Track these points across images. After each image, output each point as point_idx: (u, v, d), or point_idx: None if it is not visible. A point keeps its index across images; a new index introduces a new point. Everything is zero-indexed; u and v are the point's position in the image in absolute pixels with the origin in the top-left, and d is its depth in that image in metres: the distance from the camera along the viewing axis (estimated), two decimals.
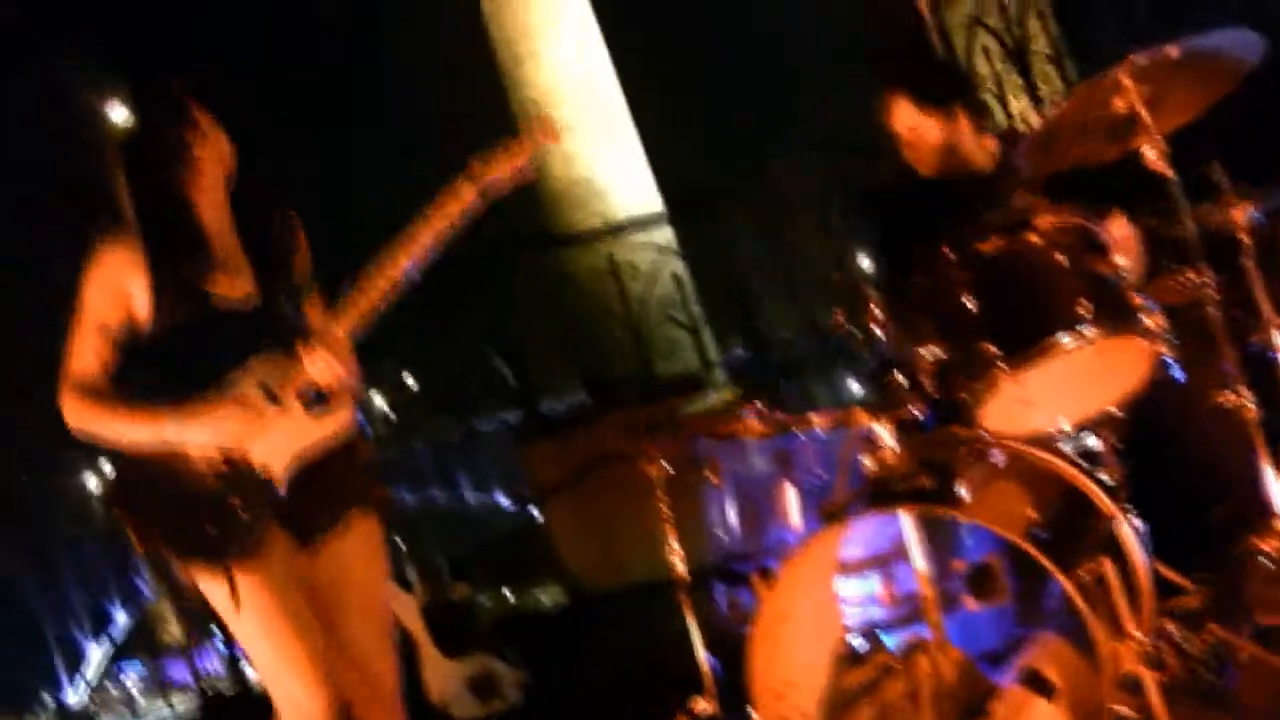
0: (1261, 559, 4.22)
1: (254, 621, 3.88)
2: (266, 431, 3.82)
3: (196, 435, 3.78)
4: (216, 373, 3.83)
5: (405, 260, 3.84)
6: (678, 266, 10.25)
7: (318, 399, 3.89)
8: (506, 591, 8.94)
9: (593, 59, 16.59)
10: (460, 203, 3.88)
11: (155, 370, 3.94)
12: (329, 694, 3.88)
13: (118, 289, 3.90)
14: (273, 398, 3.80)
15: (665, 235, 11.41)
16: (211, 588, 3.87)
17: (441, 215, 3.86)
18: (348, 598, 4.10)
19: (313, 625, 3.94)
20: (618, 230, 10.35)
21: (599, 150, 15.80)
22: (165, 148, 3.89)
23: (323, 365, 3.80)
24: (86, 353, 3.92)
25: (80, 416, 3.90)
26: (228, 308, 3.92)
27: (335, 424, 3.95)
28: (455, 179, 3.90)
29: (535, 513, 7.91)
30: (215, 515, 3.80)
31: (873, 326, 4.27)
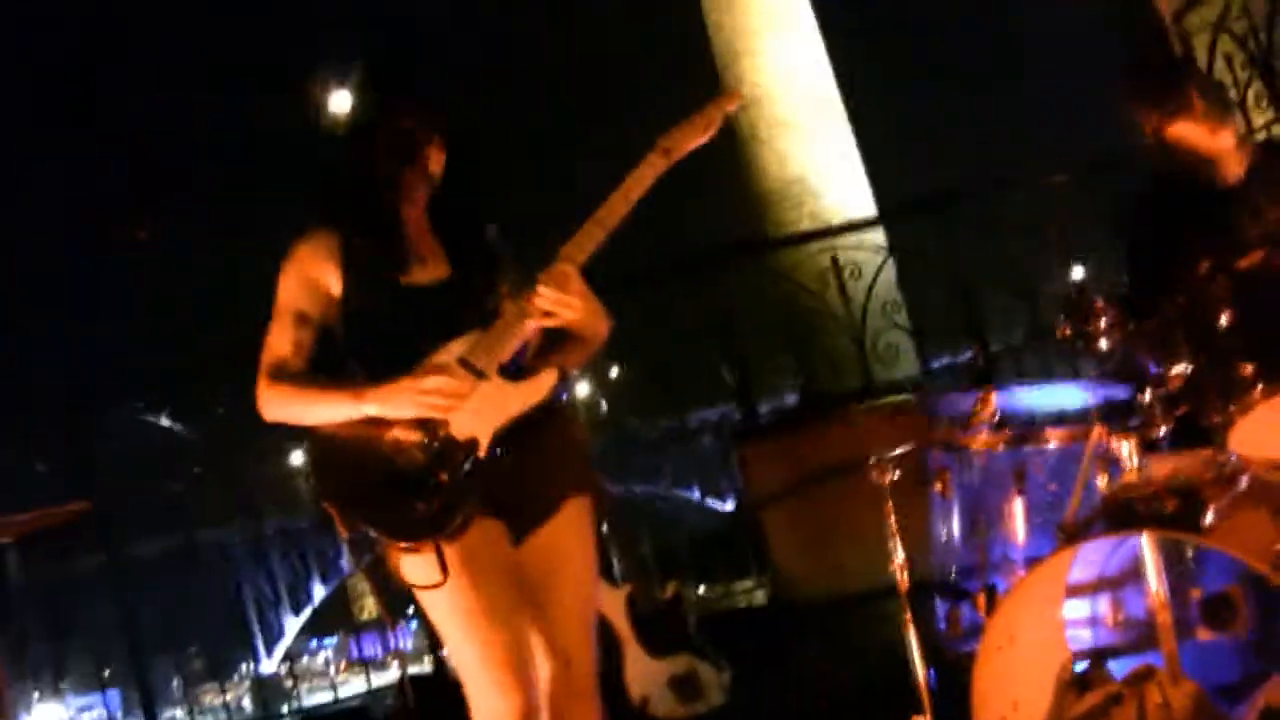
0: None
1: (452, 610, 3.85)
2: (470, 403, 3.79)
3: (400, 407, 3.77)
4: (414, 353, 3.83)
5: (601, 231, 3.85)
6: (896, 270, 10.10)
7: (518, 369, 3.89)
8: (716, 590, 8.89)
9: (813, 59, 16.43)
10: (653, 171, 3.89)
11: (353, 355, 3.97)
12: (520, 697, 3.83)
13: (312, 279, 3.97)
14: (474, 370, 3.78)
15: (880, 239, 11.26)
16: (415, 569, 3.82)
17: (635, 185, 3.88)
18: (554, 587, 4.04)
19: (511, 619, 3.89)
20: (837, 231, 10.21)
21: (815, 150, 15.60)
22: (397, 147, 3.95)
23: (558, 300, 3.80)
24: (282, 340, 3.97)
25: (275, 402, 3.94)
26: (422, 291, 3.96)
27: (538, 391, 3.90)
28: (646, 154, 3.91)
29: (749, 512, 7.83)
30: (422, 491, 3.77)
31: (1101, 336, 4.13)
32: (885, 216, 11.56)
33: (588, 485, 4.16)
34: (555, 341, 4.02)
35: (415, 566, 3.83)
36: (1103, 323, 4.13)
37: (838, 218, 11.72)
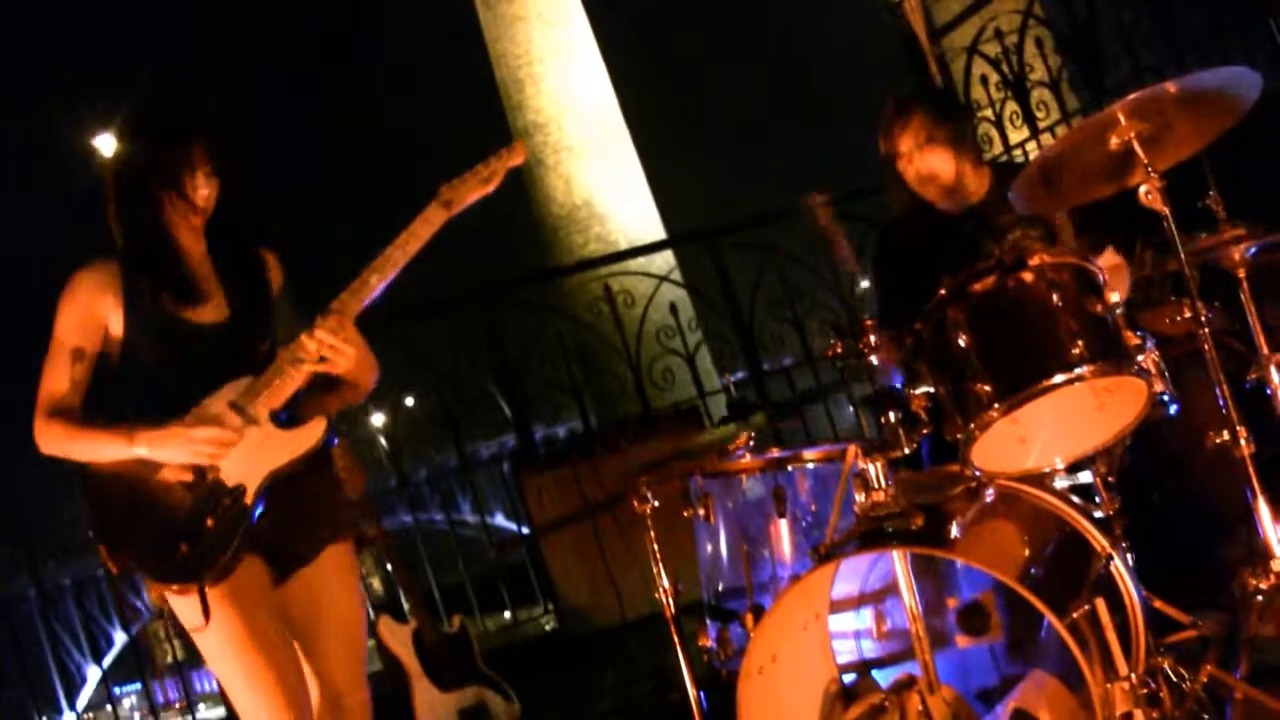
0: (1257, 596, 4.17)
1: (223, 643, 3.90)
2: (240, 449, 3.85)
3: (170, 453, 3.81)
4: (189, 394, 3.88)
5: (377, 280, 3.90)
6: (676, 294, 10.21)
7: (289, 417, 3.95)
8: (509, 619, 8.91)
9: (595, 84, 16.59)
10: (430, 226, 3.94)
11: (129, 392, 3.99)
12: (294, 717, 3.89)
13: (91, 313, 3.98)
14: (246, 416, 3.82)
15: (665, 261, 11.37)
16: (183, 608, 3.89)
17: (413, 238, 3.93)
18: (320, 631, 4.13)
19: (282, 651, 3.96)
20: (615, 257, 10.29)
21: (600, 175, 15.80)
22: (160, 175, 3.96)
23: (331, 348, 3.86)
24: (59, 376, 3.98)
25: (51, 439, 3.94)
26: (200, 331, 3.99)
27: (308, 439, 3.97)
28: (426, 204, 3.96)
29: (534, 542, 7.85)
30: (188, 535, 3.82)
31: (868, 355, 4.24)
32: (669, 242, 11.70)
33: (352, 530, 4.22)
34: (324, 388, 4.05)
35: (183, 607, 3.89)
36: (871, 341, 4.25)
37: (624, 242, 11.87)
